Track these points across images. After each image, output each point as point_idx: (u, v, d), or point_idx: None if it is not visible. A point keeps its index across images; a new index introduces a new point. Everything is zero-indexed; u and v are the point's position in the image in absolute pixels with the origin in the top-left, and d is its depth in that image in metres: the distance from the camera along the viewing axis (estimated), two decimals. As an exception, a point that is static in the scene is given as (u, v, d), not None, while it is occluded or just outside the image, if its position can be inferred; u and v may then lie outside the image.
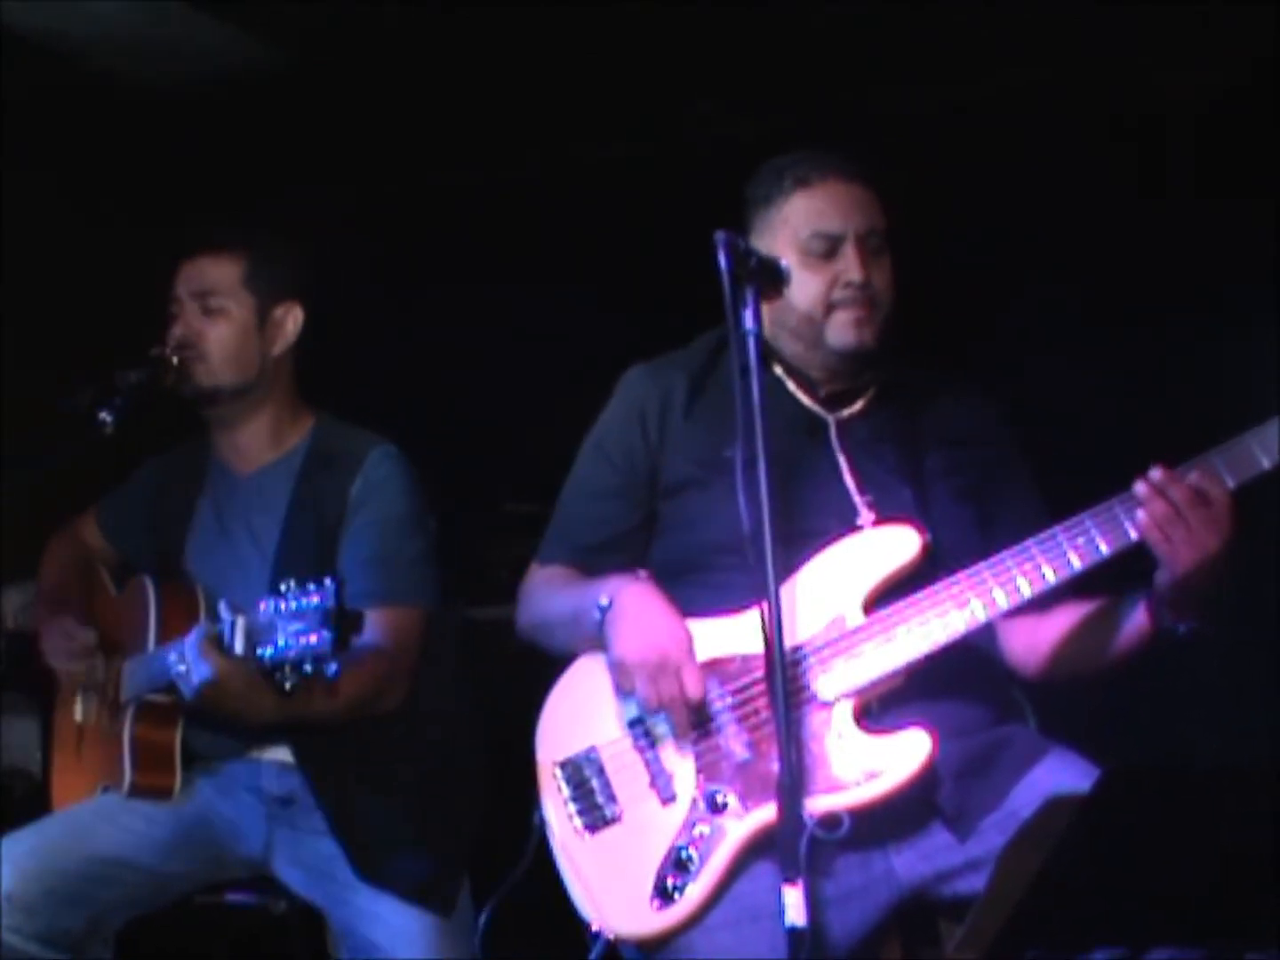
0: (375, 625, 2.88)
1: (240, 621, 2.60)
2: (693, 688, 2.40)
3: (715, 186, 2.80)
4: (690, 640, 2.44)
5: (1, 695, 3.88)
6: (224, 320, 3.07)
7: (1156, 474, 2.35)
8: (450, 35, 4.07)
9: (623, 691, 2.46)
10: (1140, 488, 2.35)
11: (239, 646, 2.59)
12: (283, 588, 2.54)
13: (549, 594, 2.72)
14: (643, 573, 2.62)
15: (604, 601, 2.50)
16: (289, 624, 2.51)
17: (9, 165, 4.24)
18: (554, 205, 4.51)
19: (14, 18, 3.88)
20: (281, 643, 2.51)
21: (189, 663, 2.69)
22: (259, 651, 2.54)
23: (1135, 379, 3.80)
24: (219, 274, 3.09)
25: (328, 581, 2.52)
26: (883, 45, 4.02)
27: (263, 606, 2.56)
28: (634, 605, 2.48)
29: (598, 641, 2.52)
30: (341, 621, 2.49)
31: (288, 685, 2.53)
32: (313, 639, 2.49)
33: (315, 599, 2.50)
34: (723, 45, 4.07)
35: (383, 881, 2.91)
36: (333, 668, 2.50)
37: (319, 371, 3.23)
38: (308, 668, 2.50)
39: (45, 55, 4.14)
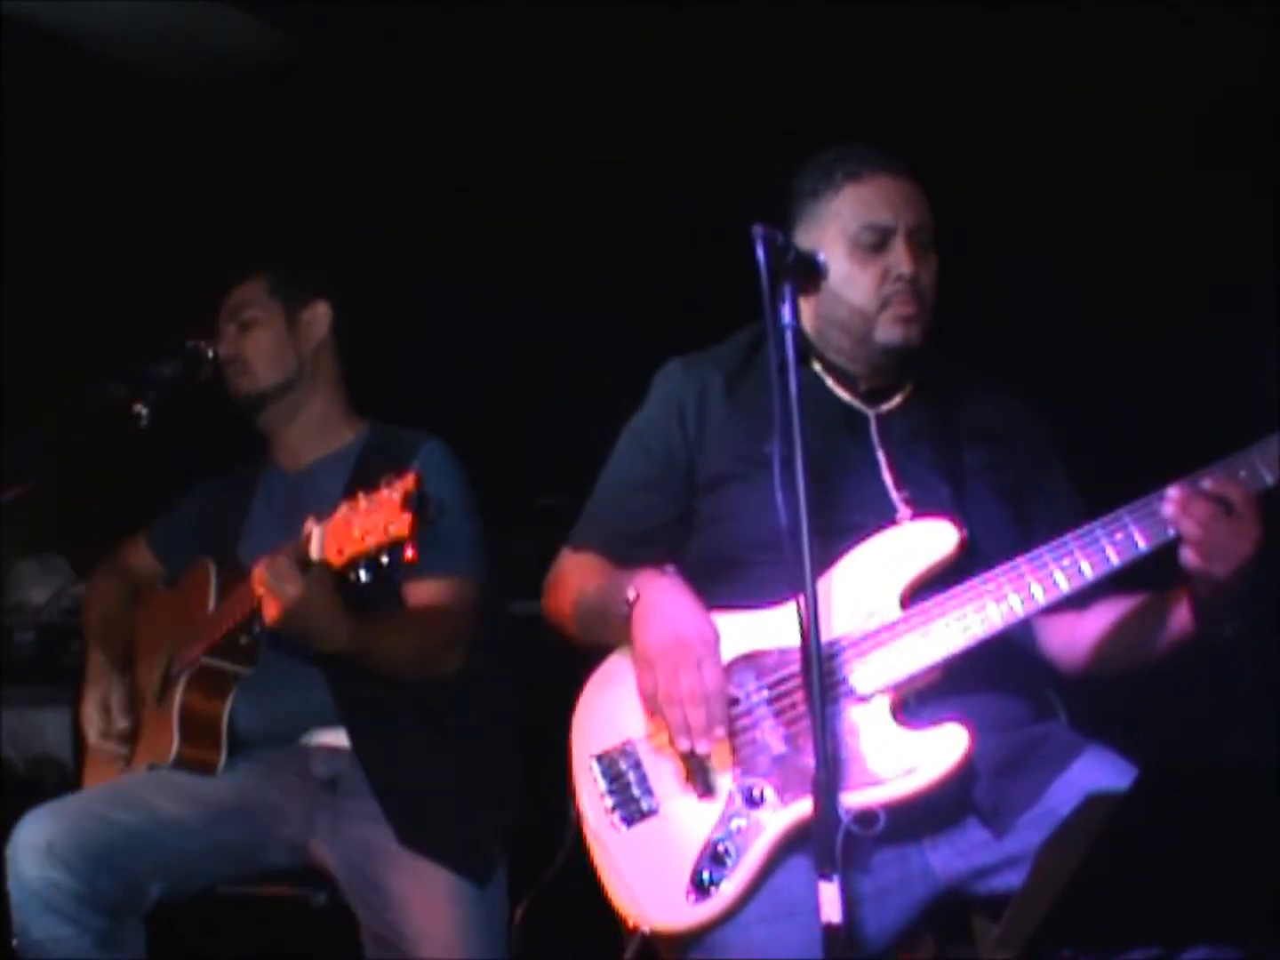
0: (438, 592, 3.05)
1: (316, 531, 2.68)
2: (712, 683, 2.37)
3: (735, 183, 2.79)
4: (715, 635, 2.42)
5: (33, 686, 3.91)
6: (257, 329, 3.26)
7: (1175, 492, 2.33)
8: (465, 32, 4.09)
9: (644, 685, 2.43)
10: (1167, 509, 2.32)
11: (314, 552, 2.68)
12: (358, 490, 2.59)
13: (577, 583, 2.71)
14: (670, 567, 2.59)
15: (630, 596, 2.49)
16: (366, 521, 2.55)
17: (27, 160, 4.27)
18: (574, 202, 4.51)
19: (29, 11, 3.93)
20: (357, 534, 2.55)
21: (272, 583, 2.75)
22: (339, 549, 2.60)
23: (1154, 379, 3.79)
24: (248, 291, 3.30)
25: (407, 472, 2.54)
26: (894, 43, 4.03)
27: (341, 509, 2.61)
28: (659, 599, 2.46)
29: (624, 636, 2.51)
30: (422, 503, 2.51)
31: (362, 577, 2.57)
32: (392, 528, 2.50)
33: (397, 492, 2.51)
34: (736, 43, 4.08)
35: (423, 845, 2.93)
36: (409, 552, 2.51)
37: (349, 371, 3.35)
38: (384, 559, 2.54)
39: (64, 49, 4.17)
